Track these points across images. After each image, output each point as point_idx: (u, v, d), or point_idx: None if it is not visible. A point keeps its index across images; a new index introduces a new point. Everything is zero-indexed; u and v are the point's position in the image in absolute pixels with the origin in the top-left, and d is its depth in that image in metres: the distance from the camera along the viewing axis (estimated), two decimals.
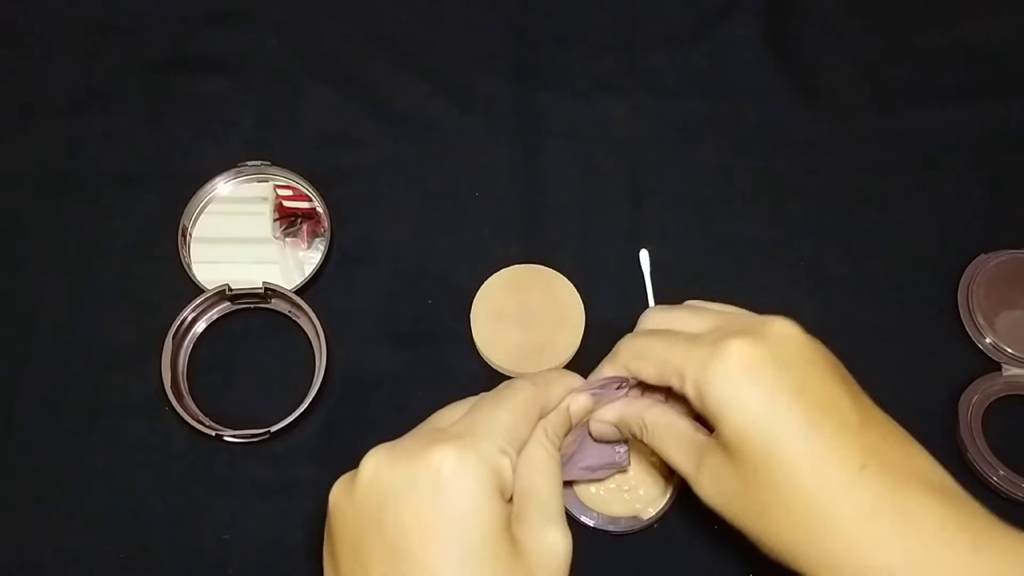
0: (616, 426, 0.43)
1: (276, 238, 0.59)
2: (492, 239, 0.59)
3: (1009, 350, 0.54)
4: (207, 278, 0.56)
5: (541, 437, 0.39)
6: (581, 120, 0.62)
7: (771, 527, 0.37)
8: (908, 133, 0.61)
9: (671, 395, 0.42)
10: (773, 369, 0.37)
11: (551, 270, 0.57)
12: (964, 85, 0.63)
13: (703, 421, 0.39)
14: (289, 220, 0.59)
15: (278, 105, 0.63)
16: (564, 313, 0.55)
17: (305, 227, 0.59)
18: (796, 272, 0.58)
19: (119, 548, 0.51)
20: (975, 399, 0.54)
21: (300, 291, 0.56)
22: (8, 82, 0.63)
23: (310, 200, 0.59)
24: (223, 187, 0.59)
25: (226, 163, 0.59)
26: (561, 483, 0.38)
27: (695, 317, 0.42)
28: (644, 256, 0.57)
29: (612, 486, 0.51)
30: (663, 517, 0.50)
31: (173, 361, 0.54)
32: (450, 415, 0.39)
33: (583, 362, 0.53)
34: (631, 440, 0.44)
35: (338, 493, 0.36)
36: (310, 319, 0.55)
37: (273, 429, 0.52)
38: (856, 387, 0.39)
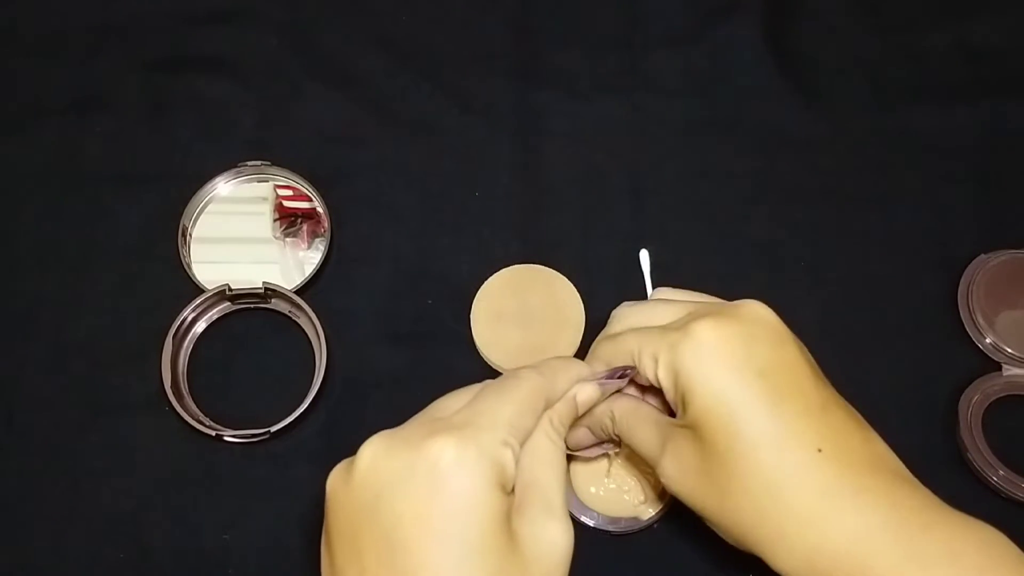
0: (589, 427, 0.44)
1: (276, 238, 0.59)
2: (492, 239, 0.59)
3: (1009, 350, 0.54)
4: (207, 278, 0.56)
5: (547, 428, 0.38)
6: (581, 120, 0.62)
7: (730, 509, 0.37)
8: (908, 133, 0.61)
9: (647, 392, 0.42)
10: (742, 347, 0.37)
11: (551, 270, 0.57)
12: (964, 85, 0.63)
13: (675, 415, 0.40)
14: (289, 220, 0.59)
15: (278, 105, 0.63)
16: (564, 313, 0.55)
17: (305, 227, 0.59)
18: (796, 272, 0.58)
19: (119, 548, 0.51)
20: (975, 399, 0.54)
21: (300, 291, 0.56)
22: (8, 82, 0.63)
23: (310, 200, 0.59)
24: (223, 187, 0.59)
25: (226, 163, 0.59)
26: (566, 476, 0.38)
27: (667, 308, 0.42)
28: (644, 256, 0.57)
29: (612, 486, 0.51)
30: (663, 517, 0.50)
31: (173, 361, 0.54)
32: (453, 403, 0.38)
33: None
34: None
35: (335, 480, 0.35)
36: (310, 319, 0.55)
37: (273, 429, 0.52)
38: (820, 374, 0.39)
